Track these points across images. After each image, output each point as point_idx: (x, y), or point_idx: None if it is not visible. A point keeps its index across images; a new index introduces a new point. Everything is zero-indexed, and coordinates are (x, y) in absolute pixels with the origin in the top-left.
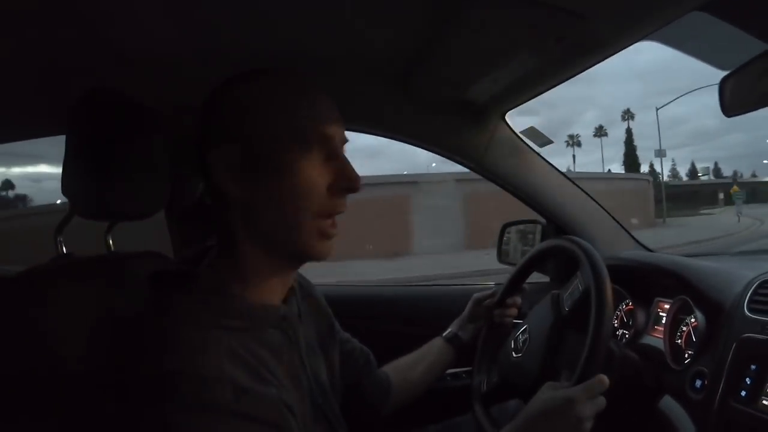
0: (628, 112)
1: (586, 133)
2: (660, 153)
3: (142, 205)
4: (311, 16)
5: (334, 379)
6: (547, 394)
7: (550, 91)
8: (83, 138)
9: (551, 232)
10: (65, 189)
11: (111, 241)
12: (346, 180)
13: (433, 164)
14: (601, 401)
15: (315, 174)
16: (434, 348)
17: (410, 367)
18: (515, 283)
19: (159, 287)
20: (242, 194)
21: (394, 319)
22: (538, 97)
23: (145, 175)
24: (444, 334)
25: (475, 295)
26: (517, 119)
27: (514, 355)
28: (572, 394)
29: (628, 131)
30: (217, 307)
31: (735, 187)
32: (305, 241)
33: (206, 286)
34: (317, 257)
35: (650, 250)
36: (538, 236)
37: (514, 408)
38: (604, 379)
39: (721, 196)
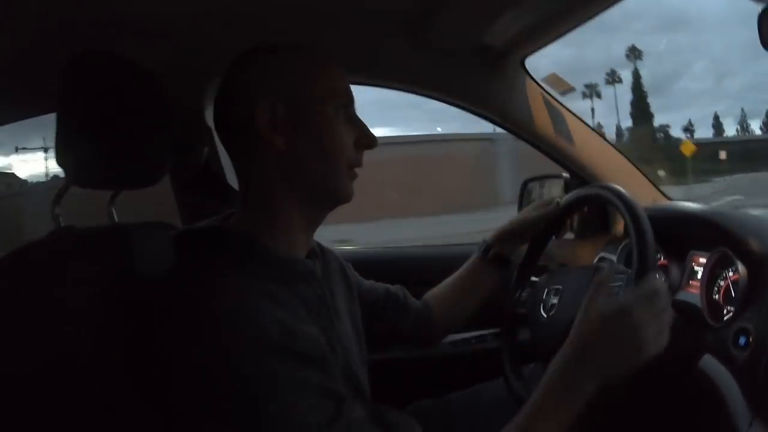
0: (633, 49)
1: (695, 86)
2: None
3: (143, 172)
4: None
5: (360, 345)
6: (592, 311)
7: (654, 41)
8: (76, 102)
9: (575, 186)
10: (59, 157)
11: (114, 213)
12: (366, 138)
13: (438, 128)
14: (662, 305)
15: (343, 131)
16: (476, 273)
17: (452, 297)
18: (543, 239)
19: (189, 246)
20: (285, 146)
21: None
22: (643, 47)
23: (146, 139)
24: (483, 250)
25: (531, 206)
26: (620, 73)
27: (543, 314)
28: (624, 301)
29: (635, 74)
30: (253, 258)
31: (688, 143)
32: (342, 185)
33: (238, 240)
34: (349, 198)
35: None
36: (560, 190)
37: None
38: (657, 280)
39: (723, 155)
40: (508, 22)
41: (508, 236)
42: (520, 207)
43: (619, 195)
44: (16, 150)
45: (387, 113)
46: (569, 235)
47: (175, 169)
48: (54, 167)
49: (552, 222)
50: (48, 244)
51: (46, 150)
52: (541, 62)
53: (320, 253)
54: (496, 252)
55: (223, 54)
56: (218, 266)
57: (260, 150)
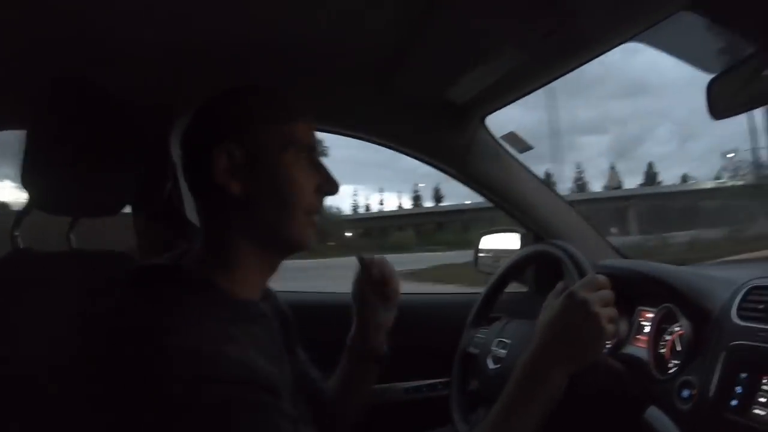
0: None
1: (658, 150)
2: None
3: (106, 202)
4: (286, 8)
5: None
6: (546, 312)
7: (619, 107)
8: (47, 127)
9: (530, 241)
10: (24, 180)
11: (73, 239)
12: (329, 184)
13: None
14: (607, 294)
15: (303, 177)
16: (358, 373)
17: (342, 398)
18: (495, 292)
19: (146, 281)
20: (241, 191)
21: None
22: (606, 114)
23: (112, 169)
24: (350, 353)
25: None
26: (585, 139)
27: (491, 364)
28: (569, 291)
29: None
30: (207, 299)
31: None
32: (298, 232)
33: (194, 279)
34: (307, 245)
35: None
36: (516, 245)
37: None
38: (598, 275)
39: None
40: (471, 80)
41: (360, 339)
42: (476, 258)
43: (567, 252)
44: None
45: (360, 171)
46: (523, 288)
47: (137, 201)
48: None
49: (508, 273)
50: (4, 265)
51: None
52: (501, 121)
53: (269, 294)
54: (364, 350)
55: (193, 91)
56: (176, 305)
57: (217, 194)
